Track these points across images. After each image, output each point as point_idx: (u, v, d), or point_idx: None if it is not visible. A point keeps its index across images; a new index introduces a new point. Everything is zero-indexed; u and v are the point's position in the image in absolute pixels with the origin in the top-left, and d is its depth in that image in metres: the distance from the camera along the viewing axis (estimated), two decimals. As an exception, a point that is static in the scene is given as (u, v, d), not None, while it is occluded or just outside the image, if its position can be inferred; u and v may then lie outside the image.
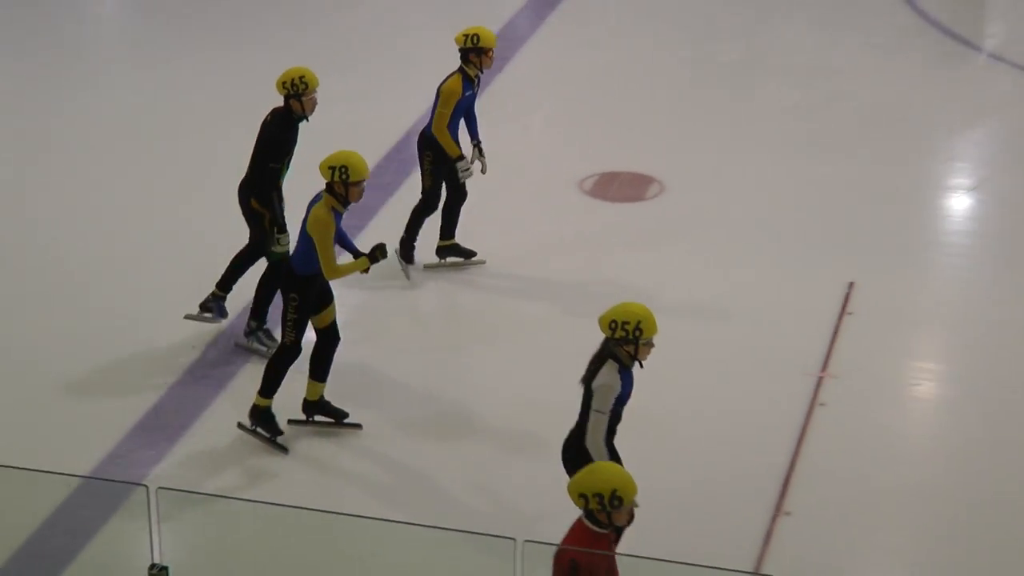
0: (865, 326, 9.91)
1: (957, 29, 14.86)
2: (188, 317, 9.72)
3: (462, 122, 10.14)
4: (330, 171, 8.46)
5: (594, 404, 7.20)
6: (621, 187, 12.03)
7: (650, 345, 7.23)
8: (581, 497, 6.22)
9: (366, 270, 8.79)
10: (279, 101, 9.44)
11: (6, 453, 7.80)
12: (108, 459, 8.71)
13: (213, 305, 9.85)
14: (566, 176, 10.91)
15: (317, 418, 9.03)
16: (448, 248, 10.52)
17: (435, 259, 10.58)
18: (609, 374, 7.17)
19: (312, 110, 9.49)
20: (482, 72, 10.11)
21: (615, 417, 7.37)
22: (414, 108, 12.67)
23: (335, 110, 10.87)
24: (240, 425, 9.01)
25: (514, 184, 11.64)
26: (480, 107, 10.72)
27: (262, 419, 8.94)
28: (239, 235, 9.69)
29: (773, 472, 8.52)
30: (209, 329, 9.81)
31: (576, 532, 6.32)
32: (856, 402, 9.19)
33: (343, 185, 8.47)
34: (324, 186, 8.53)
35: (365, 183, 8.59)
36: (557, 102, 11.88)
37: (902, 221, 11.49)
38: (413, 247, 10.61)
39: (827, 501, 8.38)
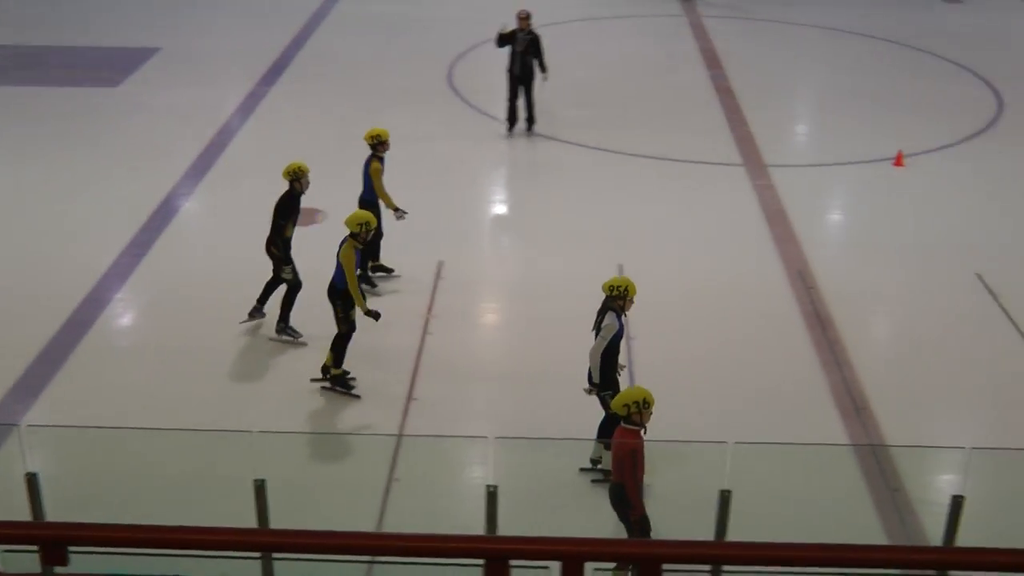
0: (449, 285, 14.10)
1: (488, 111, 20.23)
2: (272, 339, 12.64)
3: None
4: (358, 226, 11.29)
5: (601, 333, 9.89)
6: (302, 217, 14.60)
7: (632, 301, 9.99)
8: (624, 407, 8.34)
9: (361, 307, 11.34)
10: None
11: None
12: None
13: (291, 331, 12.69)
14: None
15: (336, 388, 11.73)
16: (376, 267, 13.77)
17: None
18: (611, 318, 9.90)
19: (306, 189, 12.49)
20: (386, 153, 13.29)
21: (614, 350, 10.02)
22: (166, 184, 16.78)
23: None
24: (314, 379, 11.73)
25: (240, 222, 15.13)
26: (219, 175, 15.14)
27: (338, 381, 11.75)
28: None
29: (404, 370, 12.22)
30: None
31: (622, 432, 8.40)
32: (449, 329, 13.09)
33: (366, 232, 11.34)
34: (349, 233, 11.25)
35: None
36: (261, 171, 15.39)
37: (464, 223, 16.00)
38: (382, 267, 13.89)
39: (442, 391, 11.83)
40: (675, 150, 18.60)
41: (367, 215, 11.59)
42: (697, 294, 14.24)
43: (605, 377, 9.88)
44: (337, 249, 11.49)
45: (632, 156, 18.39)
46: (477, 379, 12.34)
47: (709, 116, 20.39)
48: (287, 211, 12.52)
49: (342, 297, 11.46)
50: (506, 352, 13.07)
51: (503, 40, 18.55)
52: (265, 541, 5.84)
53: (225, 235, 15.08)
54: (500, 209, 17.23)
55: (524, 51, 18.42)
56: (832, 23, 26.47)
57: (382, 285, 14.02)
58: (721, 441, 8.18)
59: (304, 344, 12.83)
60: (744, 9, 27.90)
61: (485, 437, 9.56)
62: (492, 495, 7.82)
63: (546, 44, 18.67)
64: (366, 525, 9.56)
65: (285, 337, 12.87)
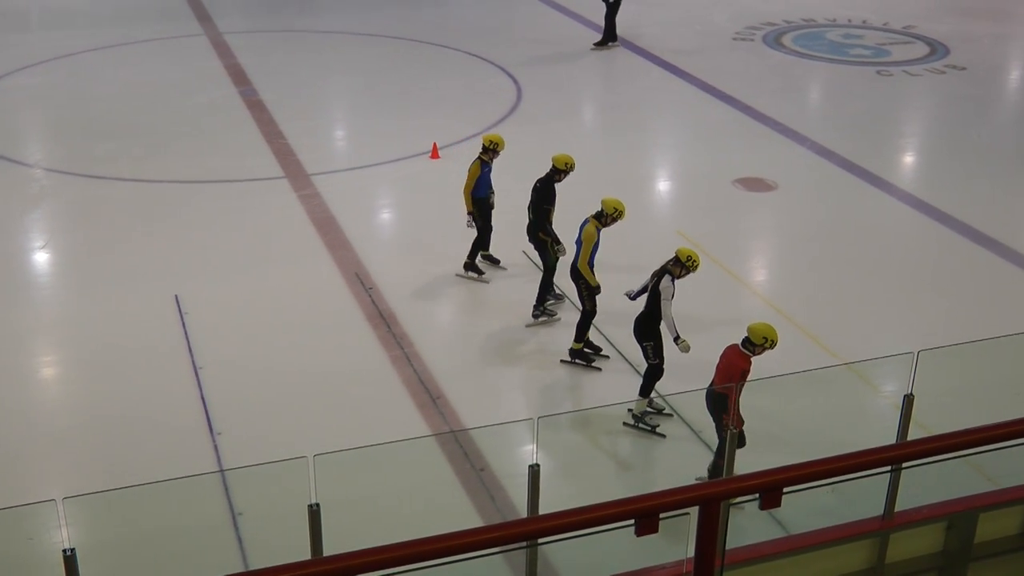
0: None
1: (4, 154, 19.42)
2: (530, 325, 13.46)
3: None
4: (613, 209, 12.26)
5: (663, 295, 11.12)
6: None
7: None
8: (763, 337, 9.95)
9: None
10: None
11: None
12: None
13: (549, 310, 13.60)
14: None
15: (576, 360, 12.64)
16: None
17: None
18: (668, 281, 11.17)
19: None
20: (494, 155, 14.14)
21: (656, 309, 11.31)
22: None
23: None
24: (563, 360, 12.62)
25: None
26: None
27: (579, 355, 12.63)
28: None
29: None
30: None
31: (737, 352, 10.07)
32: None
33: (613, 219, 12.29)
34: (595, 213, 12.20)
35: None
36: None
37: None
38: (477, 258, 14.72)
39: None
40: (214, 171, 18.31)
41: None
42: (261, 312, 14.14)
43: (654, 330, 11.26)
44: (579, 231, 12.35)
45: (171, 183, 17.90)
46: (43, 440, 11.71)
47: (244, 133, 20.18)
48: (551, 196, 13.54)
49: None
50: (65, 404, 12.46)
51: None
52: None
53: None
54: (40, 257, 15.99)
55: None
56: (352, 28, 26.90)
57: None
58: (300, 456, 8.01)
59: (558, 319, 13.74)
60: (264, 22, 27.88)
61: (53, 500, 8.86)
62: (70, 559, 7.34)
63: (61, 79, 17.60)
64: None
65: (543, 318, 13.63)
